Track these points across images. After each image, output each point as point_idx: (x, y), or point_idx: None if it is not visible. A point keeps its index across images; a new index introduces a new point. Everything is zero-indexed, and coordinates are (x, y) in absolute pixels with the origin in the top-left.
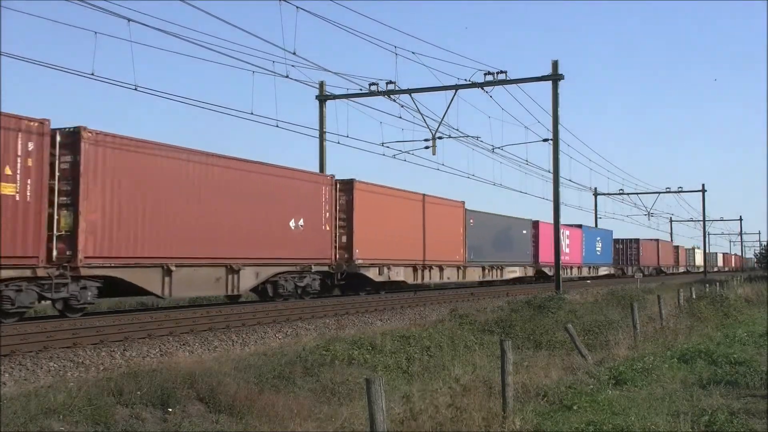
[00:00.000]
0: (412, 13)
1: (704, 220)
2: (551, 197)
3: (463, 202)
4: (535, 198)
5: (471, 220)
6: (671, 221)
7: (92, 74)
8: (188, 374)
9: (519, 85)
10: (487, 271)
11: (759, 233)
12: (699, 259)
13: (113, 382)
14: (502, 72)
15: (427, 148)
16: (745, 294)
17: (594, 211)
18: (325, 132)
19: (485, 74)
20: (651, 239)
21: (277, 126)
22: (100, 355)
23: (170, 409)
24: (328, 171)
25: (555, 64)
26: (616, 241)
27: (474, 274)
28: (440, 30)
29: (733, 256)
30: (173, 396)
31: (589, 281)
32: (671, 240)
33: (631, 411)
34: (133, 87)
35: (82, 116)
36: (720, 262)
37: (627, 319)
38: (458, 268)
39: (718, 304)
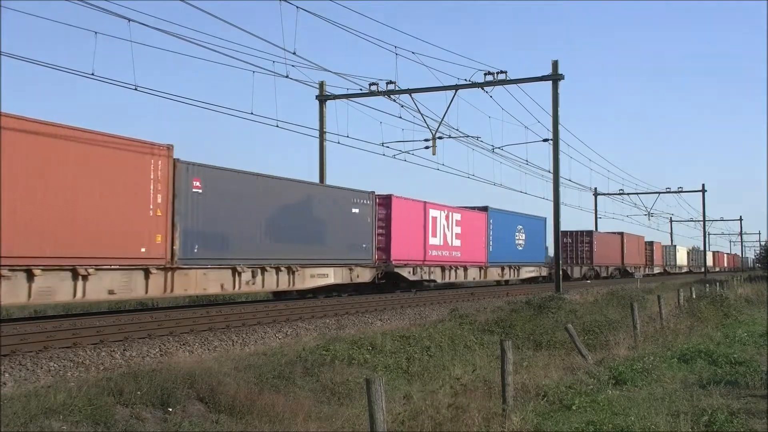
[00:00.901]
0: (412, 13)
1: (704, 220)
2: (551, 197)
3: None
4: (535, 198)
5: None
6: (671, 221)
7: (92, 74)
8: (188, 374)
9: (519, 85)
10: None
11: (759, 233)
12: (682, 258)
13: (113, 382)
14: (502, 72)
15: (427, 148)
16: (745, 294)
17: (594, 211)
18: (325, 132)
19: (485, 74)
20: (613, 232)
21: (277, 126)
22: (100, 355)
23: (170, 409)
24: (328, 171)
25: (555, 64)
26: (563, 233)
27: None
28: (440, 30)
29: (726, 255)
30: (173, 396)
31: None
32: (671, 240)
33: (631, 411)
34: (133, 87)
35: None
36: (709, 261)
37: (627, 319)
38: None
39: (718, 304)
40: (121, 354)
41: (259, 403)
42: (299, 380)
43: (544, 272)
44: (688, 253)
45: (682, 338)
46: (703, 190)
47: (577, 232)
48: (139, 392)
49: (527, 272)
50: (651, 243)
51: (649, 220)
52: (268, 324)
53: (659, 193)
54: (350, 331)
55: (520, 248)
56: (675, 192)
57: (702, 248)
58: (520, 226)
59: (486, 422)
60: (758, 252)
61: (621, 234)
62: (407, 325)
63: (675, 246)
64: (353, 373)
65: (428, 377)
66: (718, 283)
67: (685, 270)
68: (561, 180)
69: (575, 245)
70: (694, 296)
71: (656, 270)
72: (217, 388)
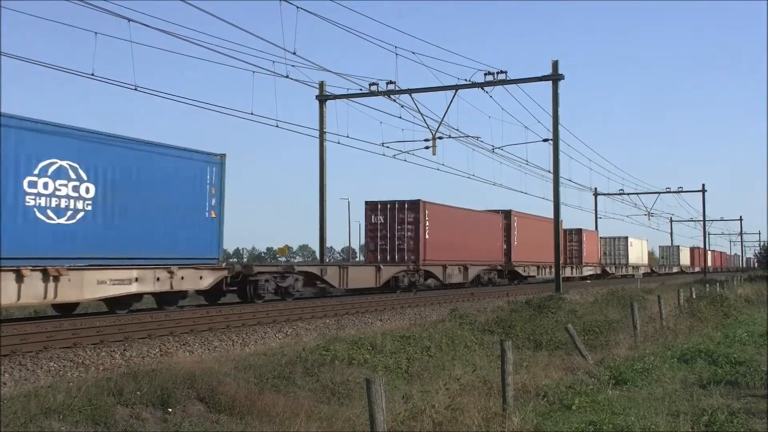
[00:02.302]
0: (412, 13)
1: (704, 220)
2: (551, 197)
3: (509, 211)
4: (535, 198)
5: None
6: (671, 221)
7: (92, 74)
8: (188, 374)
9: (519, 85)
10: None
11: (759, 233)
12: (637, 255)
13: (113, 382)
14: (502, 72)
15: (427, 148)
16: (745, 294)
17: (594, 211)
18: (325, 132)
19: (485, 74)
20: (490, 211)
21: (277, 126)
22: (100, 355)
23: (170, 409)
24: (328, 171)
25: (555, 64)
26: (370, 205)
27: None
28: (440, 30)
29: (711, 253)
30: (173, 396)
31: None
32: (671, 240)
33: (631, 411)
34: (133, 87)
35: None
36: (685, 260)
37: (627, 319)
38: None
39: (718, 304)
40: (121, 354)
41: (259, 404)
42: (299, 380)
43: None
44: (661, 248)
45: (682, 338)
46: (703, 190)
47: (395, 202)
48: (139, 392)
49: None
50: (580, 232)
51: (649, 220)
52: (268, 324)
53: (659, 193)
54: (350, 332)
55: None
56: (675, 192)
57: (672, 245)
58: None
59: (486, 422)
60: (758, 252)
61: (508, 213)
62: (407, 326)
63: (627, 238)
64: (353, 373)
65: (428, 377)
66: (718, 283)
67: (644, 271)
68: (561, 180)
69: (392, 231)
70: (694, 296)
71: (586, 271)
72: (217, 389)
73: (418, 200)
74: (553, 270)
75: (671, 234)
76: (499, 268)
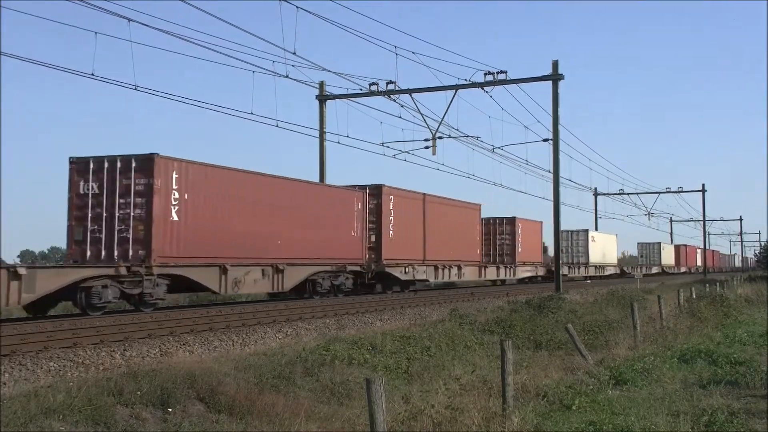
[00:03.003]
0: (412, 13)
1: (704, 220)
2: (551, 197)
3: (378, 186)
4: (535, 198)
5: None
6: (671, 221)
7: (92, 74)
8: (188, 374)
9: (519, 85)
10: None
11: (759, 233)
12: (600, 252)
13: (113, 382)
14: (502, 72)
15: (427, 148)
16: (745, 294)
17: (594, 211)
18: (325, 132)
19: (485, 74)
20: (343, 187)
21: (277, 126)
22: (100, 355)
23: (170, 409)
24: (328, 171)
25: (555, 64)
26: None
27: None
28: (440, 30)
29: (699, 251)
30: (173, 396)
31: None
32: (671, 240)
33: (631, 411)
34: (133, 87)
35: (82, 116)
36: (668, 259)
37: (627, 319)
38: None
39: (718, 304)
40: (121, 354)
41: (259, 403)
42: (299, 380)
43: None
44: (639, 246)
45: (682, 338)
46: (703, 190)
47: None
48: (139, 392)
49: None
50: (513, 221)
51: (649, 220)
52: (268, 324)
53: (659, 193)
54: (350, 331)
55: None
56: (675, 192)
57: (652, 242)
58: None
59: (486, 422)
60: (757, 252)
61: (375, 189)
62: (407, 325)
63: (587, 232)
64: (353, 373)
65: (428, 377)
66: (718, 283)
67: (611, 272)
68: (561, 180)
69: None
70: (694, 296)
71: (523, 273)
72: (217, 388)
73: (152, 155)
74: (469, 270)
75: (671, 234)
76: (358, 269)
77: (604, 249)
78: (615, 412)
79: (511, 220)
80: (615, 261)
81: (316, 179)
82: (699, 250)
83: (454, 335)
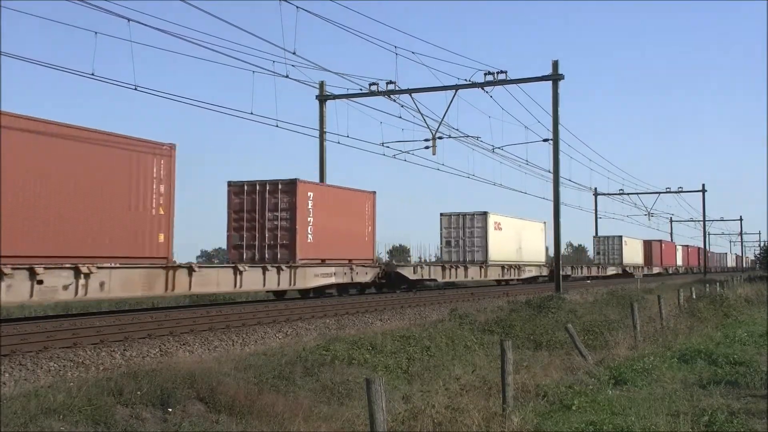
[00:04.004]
0: (412, 13)
1: (704, 220)
2: (551, 197)
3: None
4: (535, 198)
5: None
6: (671, 221)
7: (92, 74)
8: (188, 374)
9: (519, 85)
10: None
11: (759, 233)
12: (509, 247)
13: (113, 382)
14: (502, 72)
15: (427, 148)
16: (745, 294)
17: (594, 211)
18: (325, 132)
19: (485, 74)
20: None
21: (277, 126)
22: (100, 355)
23: (170, 409)
24: (328, 171)
25: (555, 64)
26: None
27: None
28: (440, 30)
29: (682, 249)
30: (173, 396)
31: None
32: (671, 239)
33: (631, 411)
34: (133, 87)
35: (82, 116)
36: (634, 257)
37: (627, 320)
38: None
39: (717, 305)
40: (121, 354)
41: (259, 403)
42: (299, 380)
43: None
44: (596, 240)
45: (682, 338)
46: (703, 190)
47: None
48: (139, 392)
49: None
50: (293, 186)
51: (649, 220)
52: (268, 324)
53: (659, 193)
54: (350, 331)
55: None
56: (675, 192)
57: (612, 234)
58: None
59: (486, 422)
60: (757, 252)
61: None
62: (407, 325)
63: (485, 216)
64: (353, 373)
65: (428, 377)
66: (718, 283)
67: (531, 274)
68: (561, 180)
69: None
70: (694, 296)
71: (319, 280)
72: (217, 388)
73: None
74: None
75: (671, 234)
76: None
77: (521, 242)
78: (615, 412)
79: (292, 184)
80: (542, 258)
81: (316, 179)
82: (680, 248)
83: (454, 335)
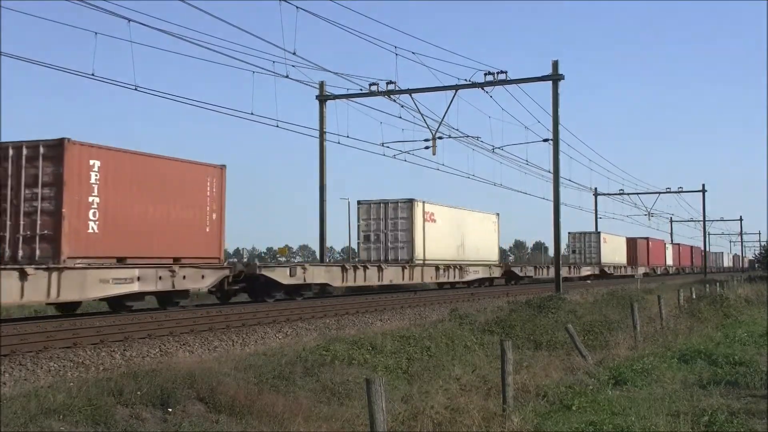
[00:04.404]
0: (412, 13)
1: (704, 220)
2: (551, 197)
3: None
4: (535, 198)
5: None
6: (671, 221)
7: (92, 74)
8: (188, 374)
9: (519, 85)
10: None
11: (759, 233)
12: (446, 243)
13: (113, 382)
14: (502, 72)
15: (427, 148)
16: (745, 294)
17: (594, 212)
18: (325, 132)
19: (485, 74)
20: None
21: (277, 126)
22: (100, 355)
23: (170, 409)
24: (329, 172)
25: (555, 65)
26: None
27: None
28: (440, 30)
29: (671, 246)
30: (173, 396)
31: None
32: (671, 240)
33: (631, 411)
34: (133, 87)
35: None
36: (615, 256)
37: (627, 320)
38: None
39: (718, 305)
40: (121, 354)
41: (259, 403)
42: (299, 380)
43: None
44: (571, 236)
45: (682, 338)
46: (703, 190)
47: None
48: (139, 392)
49: None
50: (410, 204)
51: (649, 220)
52: (268, 324)
53: (659, 193)
54: (350, 331)
55: None
56: (675, 192)
57: (589, 231)
58: None
59: (486, 422)
60: (758, 253)
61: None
62: (407, 326)
63: (411, 204)
64: (353, 374)
65: (428, 377)
66: (718, 284)
67: (482, 275)
68: (561, 180)
69: None
70: (694, 296)
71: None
72: (217, 388)
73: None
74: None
75: (671, 234)
76: None
77: (464, 237)
78: (615, 412)
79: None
80: (494, 256)
81: (316, 179)
82: (670, 246)
83: (454, 335)
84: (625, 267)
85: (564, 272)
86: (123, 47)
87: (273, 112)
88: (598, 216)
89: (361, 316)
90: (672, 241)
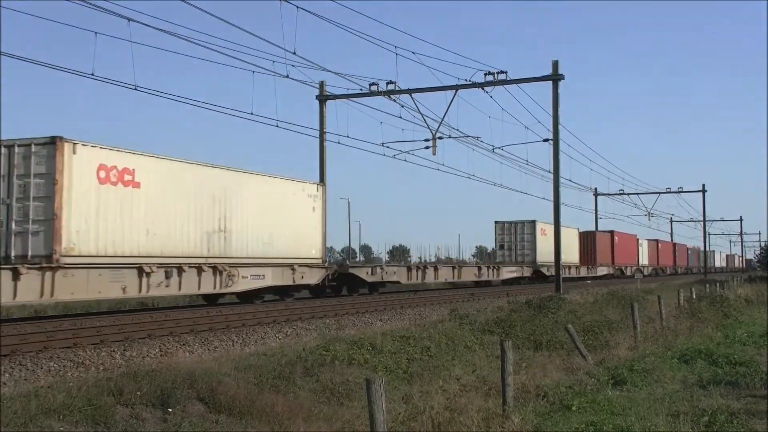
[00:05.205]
0: (412, 13)
1: (704, 220)
2: (551, 197)
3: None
4: (535, 198)
5: None
6: (671, 221)
7: (92, 74)
8: (188, 374)
9: (519, 85)
10: None
11: (759, 233)
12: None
13: (113, 382)
14: (502, 72)
15: (427, 148)
16: (745, 294)
17: (594, 212)
18: (325, 132)
19: (485, 74)
20: None
21: (277, 126)
22: (100, 355)
23: (170, 409)
24: (329, 172)
25: (555, 65)
26: None
27: None
28: (440, 30)
29: (647, 244)
30: (173, 396)
31: None
32: (671, 239)
33: (631, 411)
34: (133, 87)
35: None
36: (564, 253)
37: (627, 320)
38: None
39: (718, 305)
40: (121, 354)
41: (259, 404)
42: (299, 380)
43: None
44: (499, 227)
45: (682, 338)
46: (703, 190)
47: None
48: (139, 392)
49: None
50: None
51: (649, 220)
52: (268, 324)
53: (659, 193)
54: (350, 332)
55: None
56: (675, 192)
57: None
58: None
59: (486, 422)
60: (758, 253)
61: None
62: (407, 326)
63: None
64: (353, 374)
65: (428, 378)
66: (718, 284)
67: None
68: (561, 180)
69: None
70: (694, 297)
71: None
72: (217, 388)
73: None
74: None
75: (671, 234)
76: None
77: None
78: (615, 413)
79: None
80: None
81: (316, 179)
82: (645, 242)
83: (454, 335)
84: (577, 267)
85: (472, 275)
86: (123, 47)
87: (273, 111)
88: (598, 216)
89: (361, 316)
90: (671, 240)
